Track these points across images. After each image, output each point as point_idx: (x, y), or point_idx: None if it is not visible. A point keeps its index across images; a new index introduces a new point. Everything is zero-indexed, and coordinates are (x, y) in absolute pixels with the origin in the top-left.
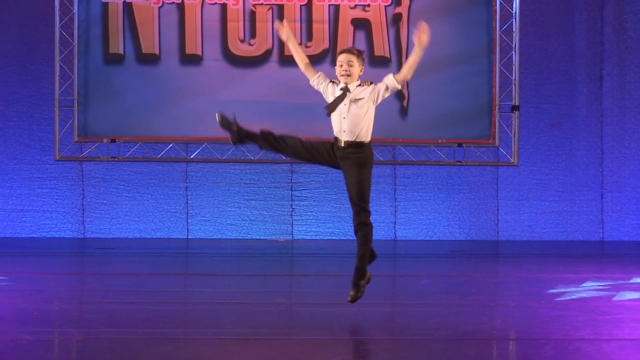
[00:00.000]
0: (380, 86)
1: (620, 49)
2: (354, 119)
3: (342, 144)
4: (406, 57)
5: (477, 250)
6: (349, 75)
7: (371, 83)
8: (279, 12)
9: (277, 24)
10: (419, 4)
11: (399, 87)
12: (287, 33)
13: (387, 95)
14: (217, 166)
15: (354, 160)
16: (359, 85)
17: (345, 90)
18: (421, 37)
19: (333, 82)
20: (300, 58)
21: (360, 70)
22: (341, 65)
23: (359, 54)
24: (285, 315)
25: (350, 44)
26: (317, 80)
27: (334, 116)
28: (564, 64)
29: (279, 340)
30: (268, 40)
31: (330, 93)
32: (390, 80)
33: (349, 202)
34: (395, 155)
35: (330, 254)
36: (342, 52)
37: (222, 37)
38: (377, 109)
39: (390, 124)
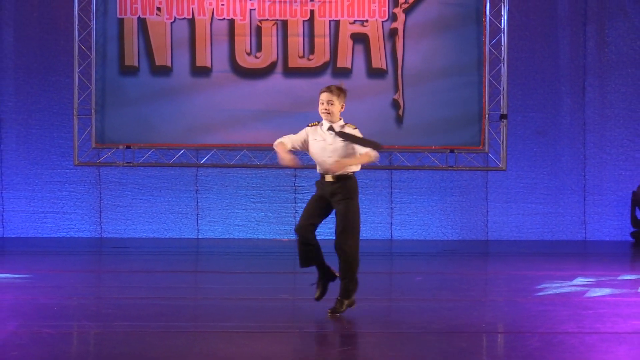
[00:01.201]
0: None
1: (601, 62)
2: (338, 157)
3: (331, 179)
4: (402, 70)
5: (468, 249)
6: (329, 114)
7: (355, 128)
8: (283, 27)
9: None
10: (414, 20)
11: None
12: (285, 155)
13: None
14: (226, 171)
15: (342, 194)
16: (344, 126)
17: (331, 129)
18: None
19: (310, 125)
20: (291, 148)
21: (342, 107)
22: (322, 104)
23: (339, 92)
24: (289, 310)
25: (349, 57)
26: (299, 144)
27: (319, 155)
28: (549, 75)
29: (283, 334)
30: (273, 54)
31: (311, 135)
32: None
33: None
34: (392, 161)
35: (331, 253)
36: (323, 92)
37: (230, 51)
38: (374, 117)
39: (387, 131)
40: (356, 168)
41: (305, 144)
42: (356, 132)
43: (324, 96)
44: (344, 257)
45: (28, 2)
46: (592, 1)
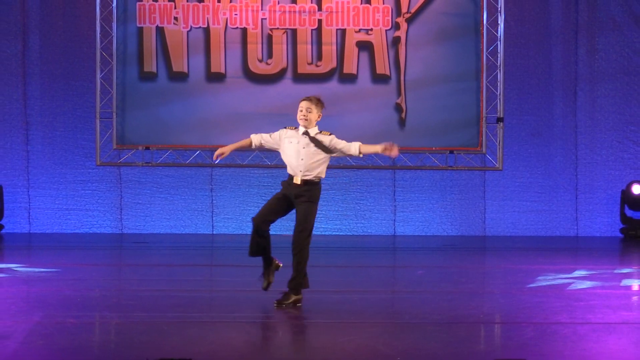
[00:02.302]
0: (341, 144)
1: (592, 68)
2: (309, 161)
3: (299, 182)
4: (404, 76)
5: (466, 244)
6: (306, 120)
7: (331, 134)
8: (293, 36)
9: (215, 155)
10: (416, 29)
11: (356, 155)
12: (224, 150)
13: (340, 155)
14: (239, 170)
15: (307, 196)
16: (318, 133)
17: (306, 134)
18: (392, 152)
19: (287, 128)
20: (247, 145)
21: (318, 117)
22: (301, 111)
23: (317, 102)
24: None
25: (355, 63)
26: (270, 141)
27: (291, 156)
28: (543, 81)
29: (293, 324)
30: (283, 60)
31: (285, 137)
32: (354, 148)
33: (353, 202)
34: (395, 161)
35: (338, 248)
36: (303, 100)
37: (242, 57)
38: (378, 120)
39: (390, 133)
40: (323, 175)
41: (275, 143)
42: (329, 138)
43: (304, 104)
44: (300, 254)
45: (53, 12)
46: (583, 11)
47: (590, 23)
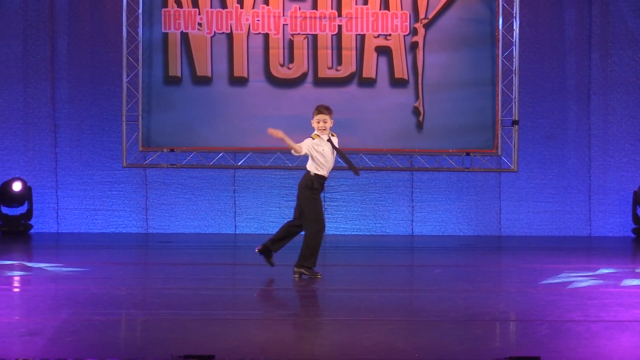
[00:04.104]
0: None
1: (605, 72)
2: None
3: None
4: (422, 80)
5: (482, 244)
6: (324, 130)
7: (334, 135)
8: (314, 41)
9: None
10: (433, 34)
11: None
12: (281, 135)
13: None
14: (261, 172)
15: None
16: (332, 135)
17: (329, 141)
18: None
19: (313, 137)
20: (297, 150)
21: (331, 123)
22: (318, 122)
23: (330, 112)
24: (319, 299)
25: (374, 68)
26: (309, 149)
27: (329, 160)
28: (557, 85)
29: (313, 321)
30: (304, 65)
31: (317, 143)
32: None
33: (372, 203)
34: (413, 163)
35: (357, 247)
36: (319, 113)
37: (264, 62)
38: (397, 123)
39: (408, 136)
40: None
41: (314, 145)
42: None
43: (320, 117)
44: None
45: (81, 18)
46: (596, 17)
47: (604, 29)
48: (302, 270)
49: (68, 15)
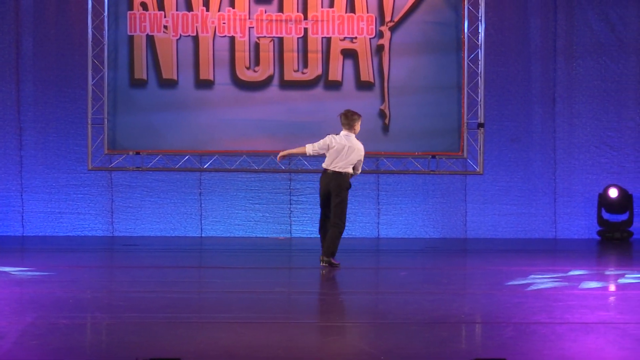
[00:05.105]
0: None
1: (570, 75)
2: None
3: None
4: (388, 83)
5: (448, 246)
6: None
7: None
8: (280, 44)
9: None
10: (399, 37)
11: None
12: (285, 154)
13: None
14: (227, 175)
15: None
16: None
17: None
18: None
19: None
20: (302, 153)
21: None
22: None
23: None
24: (285, 303)
25: (340, 71)
26: (329, 146)
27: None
28: (523, 88)
29: (280, 324)
30: (270, 68)
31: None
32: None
33: None
34: (379, 166)
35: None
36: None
37: (230, 65)
38: (362, 125)
39: (374, 138)
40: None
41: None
42: None
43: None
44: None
45: (46, 19)
46: (562, 20)
47: (569, 33)
48: (331, 259)
49: (33, 17)
